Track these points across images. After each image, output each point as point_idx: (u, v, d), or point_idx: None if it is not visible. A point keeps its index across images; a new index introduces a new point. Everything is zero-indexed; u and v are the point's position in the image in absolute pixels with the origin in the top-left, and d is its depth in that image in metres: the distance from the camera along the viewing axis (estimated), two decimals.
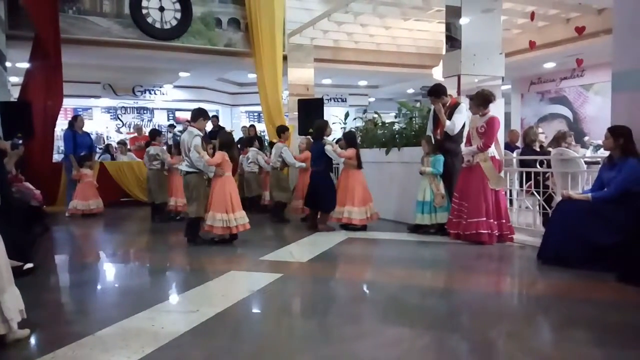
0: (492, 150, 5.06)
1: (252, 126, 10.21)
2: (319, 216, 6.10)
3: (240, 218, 5.12)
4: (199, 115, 5.33)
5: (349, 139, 6.10)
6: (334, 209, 5.91)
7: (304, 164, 7.01)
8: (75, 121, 8.27)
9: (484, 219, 4.96)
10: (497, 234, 5.02)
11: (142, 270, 4.61)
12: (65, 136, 8.15)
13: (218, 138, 5.40)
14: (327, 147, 5.94)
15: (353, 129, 7.47)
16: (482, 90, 5.19)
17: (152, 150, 7.45)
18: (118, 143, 11.27)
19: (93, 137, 12.76)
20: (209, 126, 12.78)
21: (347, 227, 5.95)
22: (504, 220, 5.07)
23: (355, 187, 5.86)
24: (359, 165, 5.96)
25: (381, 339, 2.66)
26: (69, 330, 2.77)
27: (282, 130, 7.52)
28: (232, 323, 2.89)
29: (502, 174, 5.15)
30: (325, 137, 6.08)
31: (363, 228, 5.94)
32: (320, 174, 6.05)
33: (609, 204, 3.94)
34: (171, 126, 12.18)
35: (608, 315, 2.98)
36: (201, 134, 5.21)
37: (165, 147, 7.73)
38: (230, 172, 5.30)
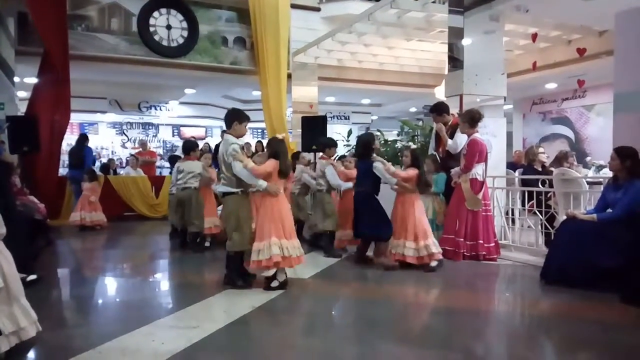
0: (475, 172, 5.12)
1: (259, 142, 10.27)
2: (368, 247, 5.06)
3: (293, 248, 3.99)
4: (234, 118, 4.07)
5: (414, 157, 4.93)
6: (391, 235, 4.82)
7: (350, 184, 5.40)
8: (87, 138, 8.96)
9: (452, 236, 5.14)
10: (465, 253, 5.10)
11: (143, 285, 4.60)
12: (87, 152, 8.88)
13: (267, 145, 4.46)
14: (377, 165, 4.81)
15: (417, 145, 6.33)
16: (470, 109, 5.30)
17: (185, 167, 6.00)
18: (131, 155, 11.31)
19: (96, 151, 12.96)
20: (217, 139, 12.27)
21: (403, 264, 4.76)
22: (481, 241, 5.11)
23: (412, 216, 4.77)
24: (422, 190, 4.93)
25: (383, 358, 2.64)
26: (69, 344, 2.77)
27: (327, 145, 5.74)
28: (233, 339, 2.88)
29: (480, 195, 5.13)
30: (373, 154, 4.93)
31: (431, 269, 4.61)
32: (365, 195, 4.89)
33: (614, 225, 3.93)
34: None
35: (612, 336, 2.96)
36: (239, 143, 4.05)
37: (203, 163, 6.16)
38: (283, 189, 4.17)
